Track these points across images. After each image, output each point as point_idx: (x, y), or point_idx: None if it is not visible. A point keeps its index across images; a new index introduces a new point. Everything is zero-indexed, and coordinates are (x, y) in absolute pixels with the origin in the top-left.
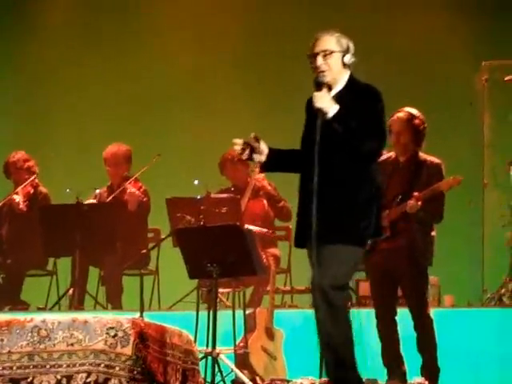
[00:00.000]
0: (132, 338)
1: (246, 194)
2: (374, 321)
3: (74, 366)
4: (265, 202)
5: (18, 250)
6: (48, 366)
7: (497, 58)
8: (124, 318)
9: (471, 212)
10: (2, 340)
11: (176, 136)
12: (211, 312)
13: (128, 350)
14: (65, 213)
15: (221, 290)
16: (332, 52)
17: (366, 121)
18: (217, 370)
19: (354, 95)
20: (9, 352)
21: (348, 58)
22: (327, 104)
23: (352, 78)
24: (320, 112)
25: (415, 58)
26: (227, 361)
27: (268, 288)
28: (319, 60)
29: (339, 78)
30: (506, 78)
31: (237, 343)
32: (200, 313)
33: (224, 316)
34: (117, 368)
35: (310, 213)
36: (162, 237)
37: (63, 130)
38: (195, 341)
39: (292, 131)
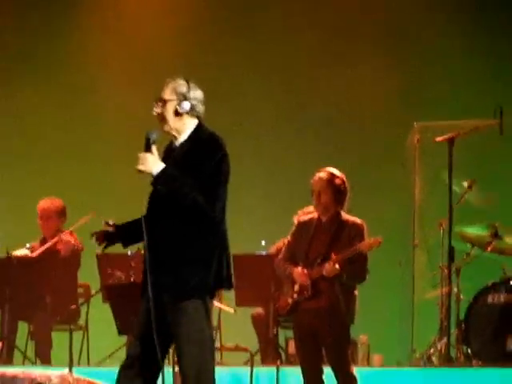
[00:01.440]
0: None
1: None
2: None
3: None
4: None
5: None
6: None
7: (428, 119)
8: (53, 373)
9: (402, 271)
10: None
11: (114, 191)
12: None
13: None
14: None
15: None
16: (166, 101)
17: (198, 173)
18: None
19: (194, 146)
20: None
21: (184, 106)
22: (149, 167)
23: (199, 127)
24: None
25: (346, 116)
26: None
27: None
28: (155, 109)
29: (180, 127)
30: (437, 139)
31: None
32: None
33: None
34: None
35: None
36: (92, 292)
37: None
38: None
39: None
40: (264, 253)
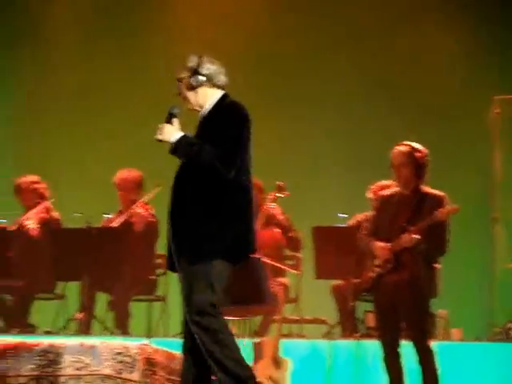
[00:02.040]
0: (139, 364)
1: (259, 221)
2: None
3: None
4: (276, 231)
5: (28, 273)
6: None
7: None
8: (132, 344)
9: (481, 246)
10: (10, 363)
11: None
12: None
13: (135, 376)
14: (75, 237)
15: (229, 317)
16: (180, 79)
17: (216, 137)
18: None
19: (215, 114)
20: (17, 375)
21: (196, 80)
22: (167, 136)
23: (223, 98)
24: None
25: (425, 92)
26: None
27: (276, 317)
28: (176, 90)
29: (200, 100)
30: None
31: None
32: None
33: None
34: None
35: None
36: None
37: (69, 151)
38: None
39: None
40: (344, 225)
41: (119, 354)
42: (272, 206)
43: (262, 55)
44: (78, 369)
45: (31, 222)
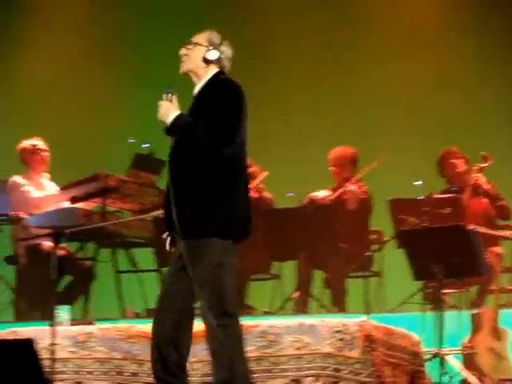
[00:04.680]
0: (359, 341)
1: (466, 192)
2: None
3: (302, 370)
4: (484, 200)
5: (243, 255)
6: (276, 371)
7: None
8: (351, 321)
9: None
10: None
11: (393, 136)
12: (437, 313)
13: (356, 353)
14: (288, 216)
15: (445, 290)
16: (196, 44)
17: (210, 113)
18: (444, 371)
19: (210, 90)
20: None
21: (212, 54)
22: (164, 114)
23: (217, 74)
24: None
25: None
26: (455, 361)
27: (492, 287)
28: (182, 50)
29: (202, 74)
30: None
31: (463, 344)
32: (425, 314)
33: (449, 316)
34: (345, 371)
35: None
36: (385, 239)
37: (283, 129)
38: (421, 342)
39: None
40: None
41: (338, 331)
42: (477, 176)
43: None
44: (297, 348)
45: None
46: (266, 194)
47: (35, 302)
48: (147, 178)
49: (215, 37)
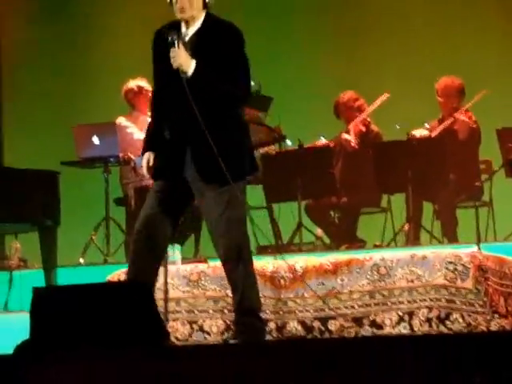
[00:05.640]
0: (472, 272)
1: None
2: None
3: (415, 302)
4: None
5: (352, 189)
6: (389, 304)
7: None
8: (462, 252)
9: None
10: (343, 280)
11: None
12: None
13: (468, 284)
14: (396, 149)
15: None
16: None
17: (229, 65)
18: None
19: (214, 33)
20: (350, 291)
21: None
22: (185, 62)
23: (209, 14)
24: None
25: None
26: None
27: None
28: None
29: (199, 17)
30: None
31: None
32: None
33: None
34: (457, 302)
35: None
36: (495, 168)
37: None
38: None
39: None
40: None
41: (451, 262)
42: None
43: None
44: (410, 281)
45: (349, 136)
46: (374, 128)
47: None
48: (254, 115)
49: None
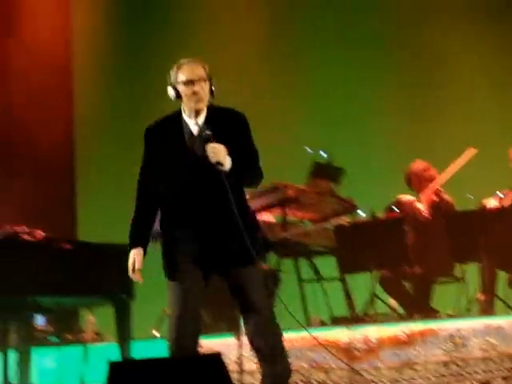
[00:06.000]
0: None
1: None
2: None
3: (491, 372)
4: None
5: (425, 258)
6: (464, 374)
7: None
8: None
9: None
10: (418, 350)
11: None
12: None
13: None
14: (469, 218)
15: None
16: (207, 79)
17: (244, 152)
18: None
19: (223, 122)
20: (425, 362)
21: (213, 86)
22: (224, 157)
23: (210, 104)
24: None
25: None
26: None
27: None
28: (199, 86)
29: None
30: None
31: None
32: None
33: None
34: None
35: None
36: None
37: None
38: None
39: None
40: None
41: None
42: None
43: None
44: (485, 350)
45: (421, 205)
46: (446, 197)
47: (220, 313)
48: (326, 186)
49: (206, 69)
